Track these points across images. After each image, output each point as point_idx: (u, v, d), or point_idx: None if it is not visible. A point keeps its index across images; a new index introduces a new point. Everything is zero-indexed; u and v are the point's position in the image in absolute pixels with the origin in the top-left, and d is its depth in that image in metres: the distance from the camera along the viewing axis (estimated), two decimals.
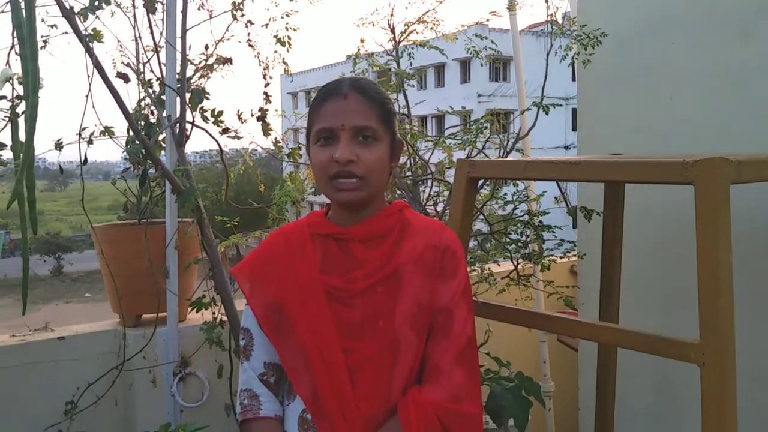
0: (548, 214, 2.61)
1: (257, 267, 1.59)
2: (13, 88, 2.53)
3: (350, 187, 1.43)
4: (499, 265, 2.93)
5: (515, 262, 2.57)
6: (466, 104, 37.70)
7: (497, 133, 3.02)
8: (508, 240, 2.55)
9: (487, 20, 3.29)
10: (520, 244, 2.50)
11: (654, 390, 2.83)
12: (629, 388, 2.79)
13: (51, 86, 2.74)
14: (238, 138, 3.06)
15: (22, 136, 2.55)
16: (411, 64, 3.39)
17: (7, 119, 2.54)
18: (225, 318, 2.74)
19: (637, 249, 2.60)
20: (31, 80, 1.85)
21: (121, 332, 2.72)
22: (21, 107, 2.54)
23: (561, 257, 2.89)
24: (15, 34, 2.14)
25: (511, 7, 3.00)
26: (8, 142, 2.46)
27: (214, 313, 2.74)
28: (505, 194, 2.74)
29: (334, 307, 1.47)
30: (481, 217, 2.59)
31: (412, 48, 3.41)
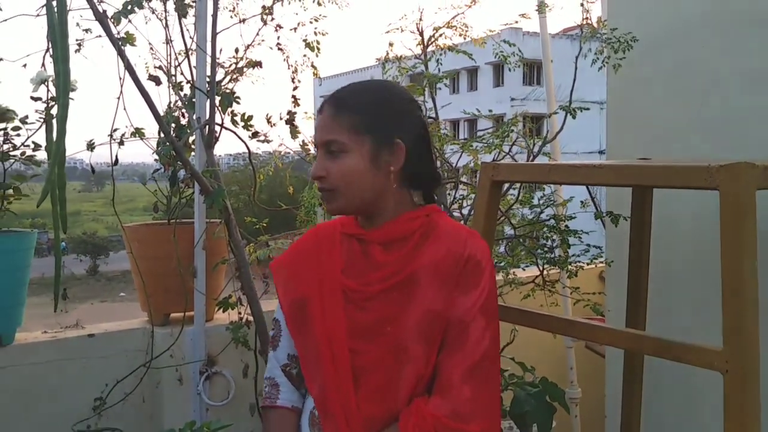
0: (575, 219, 2.59)
1: (289, 263, 1.64)
2: (48, 90, 2.60)
3: (326, 198, 1.50)
4: (524, 270, 2.92)
5: (541, 267, 2.56)
6: (499, 108, 37.51)
7: (526, 136, 3.02)
8: (534, 244, 2.53)
9: (516, 22, 3.28)
10: (546, 248, 2.48)
11: (681, 397, 2.79)
12: (656, 396, 2.76)
13: (85, 88, 2.81)
14: (267, 142, 3.10)
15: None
16: (439, 69, 3.41)
17: (41, 120, 2.62)
18: (251, 318, 2.77)
19: (665, 254, 2.57)
20: (62, 82, 1.90)
21: (150, 330, 2.76)
22: (55, 109, 2.61)
23: (588, 263, 2.87)
24: (48, 37, 2.20)
25: (541, 10, 2.99)
26: (43, 142, 2.54)
27: (240, 313, 2.77)
28: (532, 198, 2.73)
29: (349, 309, 1.49)
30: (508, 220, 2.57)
31: (441, 53, 3.42)
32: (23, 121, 2.60)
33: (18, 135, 2.58)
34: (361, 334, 1.46)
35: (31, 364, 2.60)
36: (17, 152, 2.55)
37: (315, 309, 1.52)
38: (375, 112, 1.47)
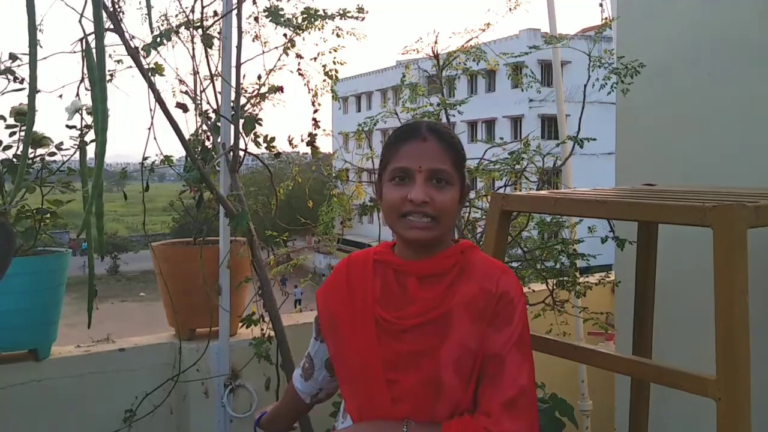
0: (582, 242, 2.69)
1: (324, 292, 1.69)
2: (82, 118, 2.75)
3: (422, 226, 1.49)
4: (533, 291, 3.03)
5: (550, 288, 2.66)
6: (517, 109, 37.56)
7: (548, 139, 3.09)
8: (543, 267, 2.64)
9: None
10: (555, 271, 2.58)
11: (688, 415, 2.88)
12: (663, 411, 2.85)
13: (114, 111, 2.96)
14: (290, 163, 3.22)
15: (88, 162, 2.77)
16: (468, 88, 3.50)
17: (76, 147, 2.77)
18: (273, 334, 2.90)
19: (670, 277, 2.66)
20: (101, 120, 2.03)
21: (176, 345, 2.91)
22: (89, 136, 2.76)
23: (596, 284, 2.96)
24: (86, 74, 2.34)
25: (550, 42, 3.08)
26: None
27: (262, 330, 2.91)
28: (543, 219, 2.83)
29: (383, 339, 1.51)
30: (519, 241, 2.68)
31: (455, 75, 3.53)
32: (59, 147, 2.76)
33: (54, 161, 2.74)
34: (396, 365, 1.50)
35: (66, 378, 2.76)
36: (54, 178, 2.70)
37: (347, 338, 1.56)
38: (463, 153, 1.56)
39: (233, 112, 2.93)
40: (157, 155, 2.67)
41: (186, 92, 3.04)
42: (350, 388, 1.59)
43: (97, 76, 2.04)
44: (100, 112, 2.05)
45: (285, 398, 1.93)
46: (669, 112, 2.95)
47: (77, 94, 2.64)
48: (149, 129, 2.53)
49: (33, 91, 2.23)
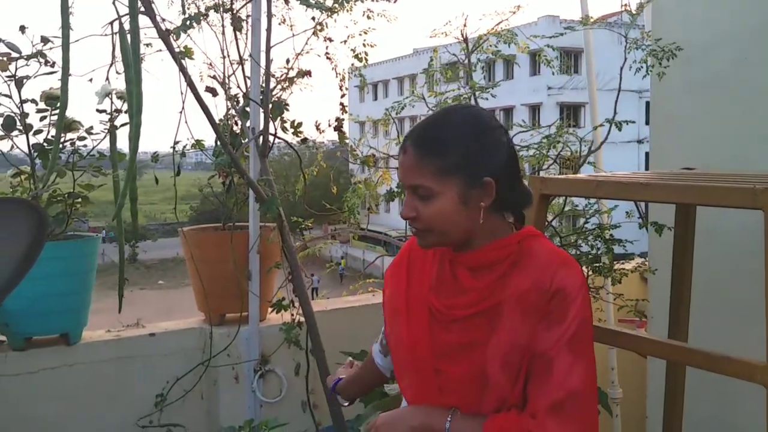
0: (619, 227, 2.64)
1: (388, 273, 1.67)
2: (112, 103, 2.74)
3: (420, 236, 1.48)
4: None
5: (585, 274, 2.62)
6: (536, 97, 37.31)
7: (569, 128, 3.04)
8: (578, 252, 2.60)
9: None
10: (591, 256, 2.54)
11: (724, 402, 2.84)
12: (698, 399, 2.80)
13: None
14: (317, 148, 3.20)
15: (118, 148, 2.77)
16: (484, 77, 3.46)
17: (105, 131, 2.76)
18: (302, 319, 2.89)
19: (708, 264, 2.62)
20: (135, 103, 2.02)
21: (206, 330, 2.90)
22: (118, 120, 2.75)
23: (632, 271, 2.91)
24: (117, 57, 2.33)
25: (585, 22, 3.03)
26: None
27: (292, 315, 2.89)
28: (577, 206, 2.79)
29: (434, 328, 1.49)
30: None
31: (485, 59, 3.48)
32: (89, 131, 2.75)
33: (85, 146, 2.73)
34: (445, 355, 1.47)
35: (97, 362, 2.76)
36: (85, 163, 2.69)
37: (403, 322, 1.54)
38: (462, 152, 1.41)
39: (262, 97, 2.91)
40: (188, 139, 2.66)
41: (215, 77, 3.02)
42: (400, 371, 1.57)
43: (131, 58, 2.02)
44: (134, 95, 2.03)
45: (364, 367, 1.92)
46: (706, 96, 2.89)
47: (107, 78, 2.62)
48: (180, 113, 2.51)
49: (65, 74, 2.22)
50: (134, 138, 2.04)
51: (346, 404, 1.94)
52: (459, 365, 1.44)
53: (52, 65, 2.53)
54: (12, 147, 2.68)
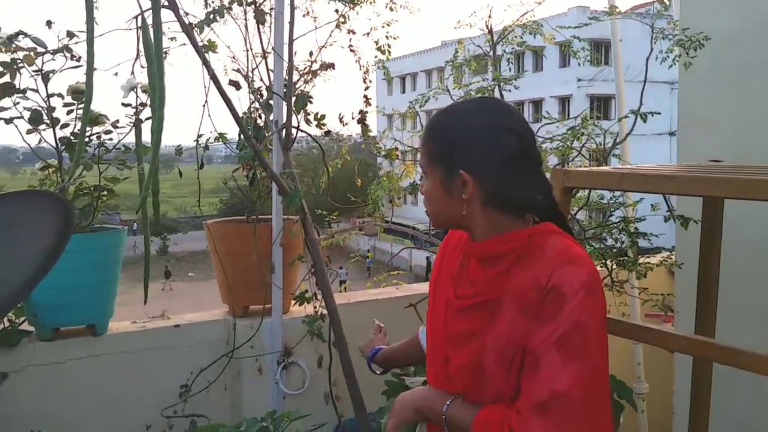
0: (644, 221, 2.60)
1: (436, 260, 1.73)
2: (137, 96, 2.77)
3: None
4: None
5: (609, 268, 2.59)
6: (566, 89, 36.92)
7: (598, 119, 3.00)
8: (602, 246, 2.57)
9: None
10: (615, 250, 2.51)
11: (752, 399, 2.79)
12: (726, 396, 2.76)
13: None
14: (340, 141, 3.20)
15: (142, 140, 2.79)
16: (510, 68, 3.44)
17: (131, 125, 2.79)
18: (325, 312, 2.89)
19: (736, 258, 2.57)
20: (158, 97, 2.03)
21: (230, 322, 2.92)
22: (143, 113, 2.78)
23: (658, 265, 2.87)
24: (142, 51, 2.34)
25: (611, 12, 2.98)
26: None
27: (315, 307, 2.90)
28: (602, 198, 2.75)
29: (448, 316, 1.54)
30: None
31: (511, 51, 3.45)
32: (114, 125, 2.78)
33: (110, 139, 2.76)
34: (453, 343, 1.51)
35: (122, 353, 2.80)
36: (111, 156, 2.72)
37: (430, 310, 1.63)
38: (444, 143, 1.49)
39: (285, 89, 2.91)
40: (211, 132, 2.67)
41: (238, 70, 3.03)
42: (427, 356, 1.65)
43: (154, 52, 2.03)
44: (157, 89, 2.04)
45: (405, 344, 1.99)
46: (735, 87, 2.83)
47: (132, 72, 2.65)
48: (204, 106, 2.52)
49: (90, 68, 2.24)
50: (157, 131, 2.06)
51: (379, 372, 2.05)
52: (461, 354, 1.48)
53: (78, 59, 2.56)
54: (40, 141, 2.72)
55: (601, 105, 34.70)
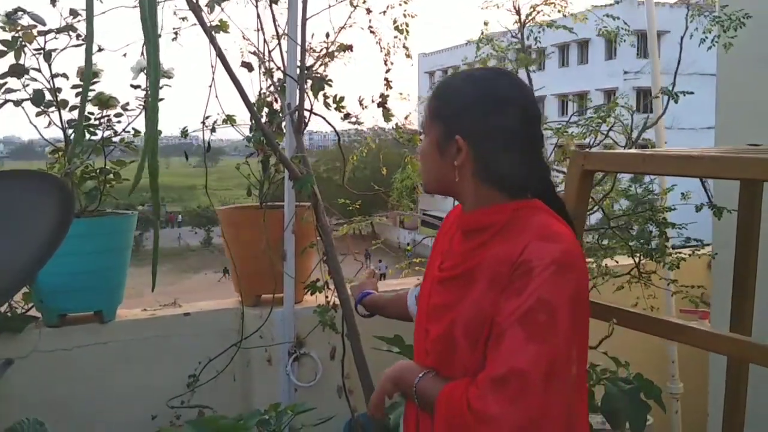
0: (675, 210, 2.43)
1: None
2: (147, 78, 2.69)
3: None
4: (617, 262, 2.77)
5: (636, 259, 2.43)
6: (611, 82, 36.19)
7: (630, 112, 2.85)
8: (629, 236, 2.41)
9: None
10: (642, 241, 2.34)
11: None
12: (762, 398, 2.58)
13: (185, 74, 2.90)
14: (359, 124, 3.09)
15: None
16: (538, 44, 3.31)
17: (141, 107, 2.72)
18: (338, 302, 2.78)
19: None
20: (153, 74, 1.95)
21: (241, 311, 2.84)
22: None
23: (690, 255, 2.70)
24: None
25: None
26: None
27: (327, 297, 2.80)
28: (630, 186, 2.59)
29: (432, 288, 1.54)
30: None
31: (539, 30, 3.31)
32: (124, 108, 2.72)
33: (119, 122, 2.70)
34: (432, 316, 1.51)
35: (130, 340, 2.74)
36: (117, 138, 2.66)
37: (423, 282, 1.63)
38: (447, 102, 1.47)
39: (299, 74, 2.81)
40: (219, 114, 2.58)
41: (254, 52, 2.94)
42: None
43: (150, 28, 1.95)
44: (153, 66, 1.96)
45: (396, 298, 2.03)
46: None
47: (142, 53, 2.57)
48: (210, 86, 2.44)
49: (90, 44, 2.17)
50: (153, 110, 1.97)
51: (364, 315, 2.13)
52: (436, 327, 1.47)
53: (83, 39, 2.49)
54: (49, 123, 2.67)
55: (648, 98, 33.91)
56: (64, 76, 2.51)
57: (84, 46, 2.40)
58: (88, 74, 2.13)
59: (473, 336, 1.38)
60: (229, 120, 2.57)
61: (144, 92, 2.67)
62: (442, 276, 1.50)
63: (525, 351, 1.27)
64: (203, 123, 2.52)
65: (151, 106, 1.95)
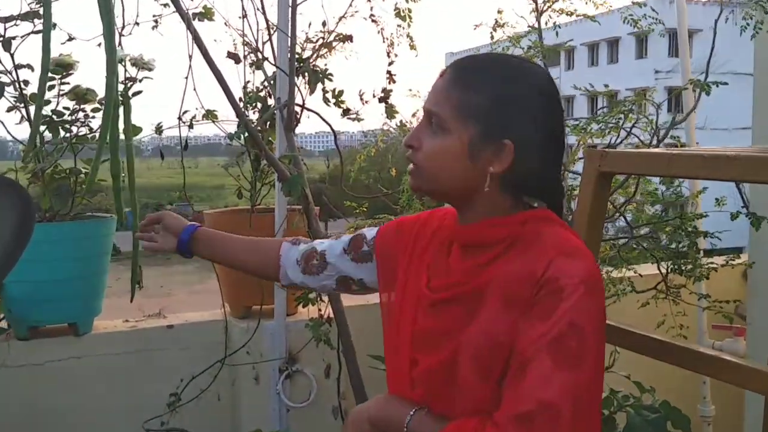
0: (707, 217, 2.15)
1: (398, 229, 1.45)
2: (125, 70, 2.48)
3: (412, 174, 1.26)
4: (640, 276, 2.48)
5: (663, 272, 2.15)
6: (642, 81, 35.52)
7: (656, 110, 2.59)
8: (656, 245, 2.13)
9: None
10: (671, 252, 2.07)
11: None
12: None
13: (164, 66, 2.68)
14: (359, 120, 2.86)
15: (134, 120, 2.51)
16: (557, 34, 3.08)
17: (121, 102, 2.50)
18: (332, 315, 2.55)
19: None
20: (109, 61, 1.73)
21: (229, 322, 2.62)
22: (134, 88, 2.50)
23: (723, 265, 2.41)
24: (128, 21, 2.06)
25: None
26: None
27: (320, 310, 2.56)
28: (656, 189, 2.32)
29: (419, 311, 1.30)
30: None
31: (557, 18, 3.06)
32: (101, 102, 2.50)
33: (94, 117, 2.49)
34: (421, 344, 1.28)
35: (108, 355, 2.53)
36: (91, 135, 2.46)
37: (397, 300, 1.36)
38: (491, 97, 1.19)
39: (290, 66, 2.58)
40: (197, 109, 2.36)
41: (246, 44, 2.71)
42: (386, 353, 1.38)
43: (103, 10, 1.73)
44: (108, 52, 1.73)
45: (247, 244, 1.62)
46: None
47: (120, 44, 2.36)
48: (186, 78, 2.21)
49: (47, 31, 1.96)
50: (108, 103, 1.75)
51: (189, 256, 1.62)
52: (430, 356, 1.24)
53: (54, 27, 2.28)
54: (21, 119, 2.47)
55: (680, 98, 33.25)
56: (29, 67, 2.30)
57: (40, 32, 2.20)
58: (46, 62, 1.92)
59: (485, 368, 1.18)
60: (210, 116, 2.35)
61: (123, 85, 2.47)
62: (435, 297, 1.27)
63: (554, 382, 1.09)
64: (180, 119, 2.30)
65: (107, 98, 1.73)
